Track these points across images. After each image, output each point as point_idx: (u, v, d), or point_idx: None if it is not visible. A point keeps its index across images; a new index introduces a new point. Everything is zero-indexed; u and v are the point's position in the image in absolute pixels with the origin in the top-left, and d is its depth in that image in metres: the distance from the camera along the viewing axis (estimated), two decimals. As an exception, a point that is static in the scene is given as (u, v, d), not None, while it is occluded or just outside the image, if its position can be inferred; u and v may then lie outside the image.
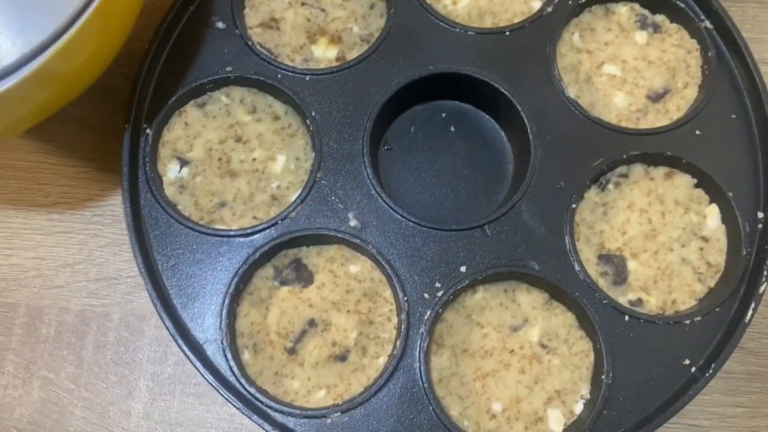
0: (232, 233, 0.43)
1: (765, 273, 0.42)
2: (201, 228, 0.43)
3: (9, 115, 0.38)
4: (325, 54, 0.48)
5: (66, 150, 0.48)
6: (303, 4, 0.49)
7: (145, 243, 0.43)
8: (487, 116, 0.49)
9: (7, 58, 0.35)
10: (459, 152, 0.48)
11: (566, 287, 0.42)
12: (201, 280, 0.43)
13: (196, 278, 0.43)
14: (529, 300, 0.43)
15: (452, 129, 0.48)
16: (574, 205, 0.44)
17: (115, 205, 0.47)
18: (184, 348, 0.41)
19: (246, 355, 0.42)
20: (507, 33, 0.47)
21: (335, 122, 0.45)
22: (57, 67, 0.37)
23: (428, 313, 0.41)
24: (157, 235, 0.43)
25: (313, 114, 0.45)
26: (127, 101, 0.45)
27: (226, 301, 0.42)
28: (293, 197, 0.44)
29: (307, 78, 0.46)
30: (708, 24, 0.47)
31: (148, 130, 0.45)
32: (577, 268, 0.42)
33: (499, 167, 0.48)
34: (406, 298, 0.42)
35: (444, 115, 0.49)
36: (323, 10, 0.49)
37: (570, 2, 0.47)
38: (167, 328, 0.41)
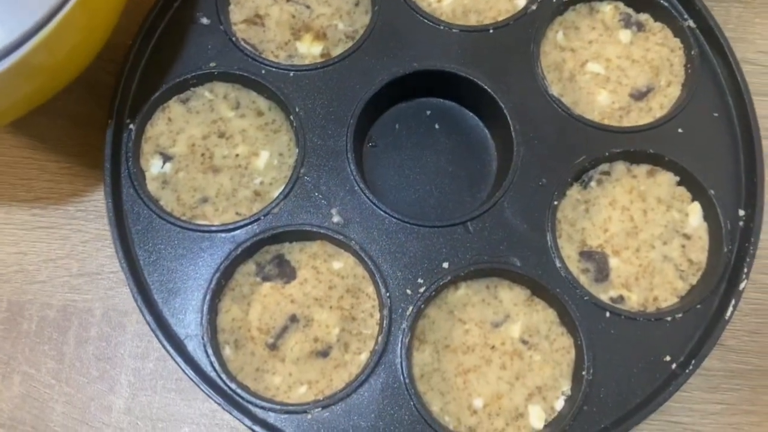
0: (213, 229, 0.43)
1: (745, 270, 0.42)
2: (183, 223, 0.43)
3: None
4: (309, 50, 0.48)
5: (50, 145, 0.48)
6: (288, 0, 0.49)
7: (126, 238, 0.43)
8: (471, 114, 0.49)
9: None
10: (443, 149, 0.48)
11: (547, 284, 0.42)
12: (182, 275, 0.43)
13: (178, 273, 0.43)
14: (510, 296, 0.43)
15: (437, 126, 0.49)
16: (556, 203, 0.44)
17: (98, 200, 0.47)
18: (165, 343, 0.41)
19: (227, 351, 0.42)
20: (491, 31, 0.47)
21: (319, 118, 0.45)
22: (40, 58, 0.37)
23: (410, 308, 0.41)
24: (139, 230, 0.43)
25: (297, 110, 0.45)
26: (110, 96, 0.45)
27: (208, 297, 0.42)
28: (276, 193, 0.44)
29: (291, 74, 0.46)
30: (691, 23, 0.47)
31: (131, 126, 0.45)
32: (558, 264, 0.42)
33: (482, 164, 0.48)
34: (388, 294, 0.42)
35: (428, 112, 0.49)
36: (308, 7, 0.49)
37: (554, 0, 0.47)
38: (148, 323, 0.41)
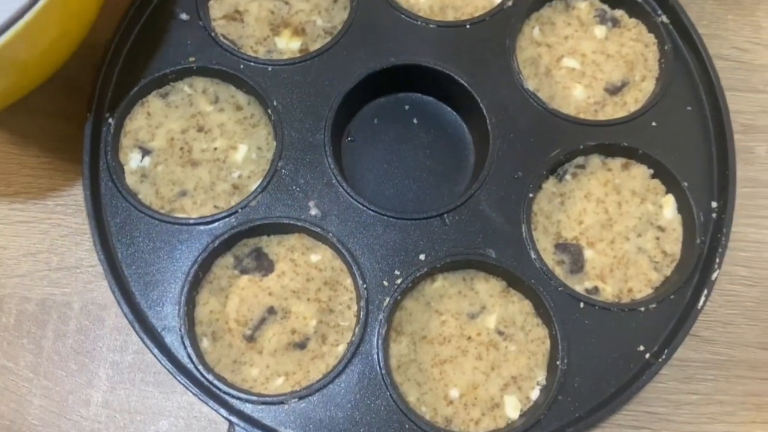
0: (191, 221, 0.43)
1: (717, 261, 0.42)
2: (161, 216, 0.43)
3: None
4: (288, 46, 0.48)
5: (29, 140, 0.48)
6: (267, -4, 0.49)
7: (105, 231, 0.43)
8: (449, 108, 0.49)
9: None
10: (421, 143, 0.48)
11: (522, 275, 0.42)
12: (160, 268, 0.43)
13: (156, 266, 0.43)
14: (486, 288, 0.44)
15: (415, 121, 0.49)
16: (531, 195, 0.44)
17: (78, 194, 0.47)
18: (143, 335, 0.41)
19: (204, 343, 0.42)
20: (468, 26, 0.48)
21: (297, 112, 0.46)
22: (16, 52, 0.37)
23: (387, 300, 0.42)
24: (117, 223, 0.43)
25: (275, 104, 0.46)
26: (89, 89, 0.45)
27: (185, 289, 0.42)
28: (254, 187, 0.45)
29: (270, 69, 0.46)
30: (665, 19, 0.48)
31: (110, 120, 0.45)
32: (533, 256, 0.43)
33: (460, 158, 0.48)
34: (365, 286, 0.42)
35: (407, 107, 0.49)
36: (287, 3, 0.49)
37: (530, -3, 0.48)
38: (125, 315, 0.41)
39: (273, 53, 0.48)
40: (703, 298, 0.42)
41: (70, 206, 0.47)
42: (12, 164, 0.48)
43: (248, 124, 0.47)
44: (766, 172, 0.49)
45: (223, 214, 0.43)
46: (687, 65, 0.47)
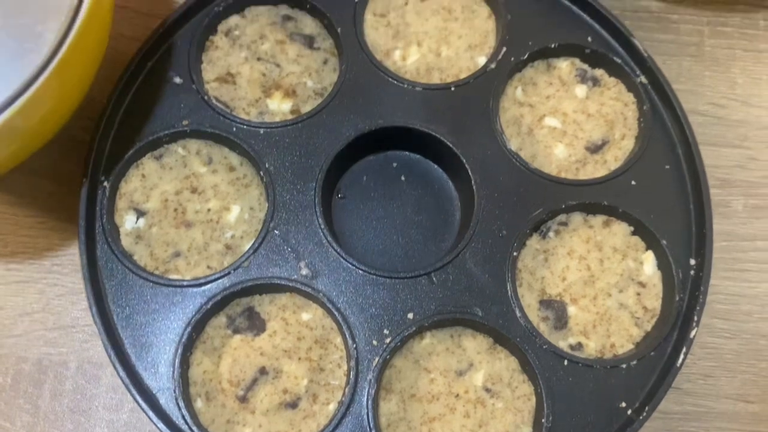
0: (185, 283, 0.44)
1: (696, 318, 0.44)
2: (155, 278, 0.44)
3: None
4: (279, 107, 0.50)
5: (26, 200, 0.50)
6: (259, 59, 0.51)
7: (101, 294, 0.44)
8: (436, 166, 0.51)
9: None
10: (409, 200, 0.50)
11: (508, 333, 0.44)
12: (155, 329, 0.44)
13: (150, 328, 0.44)
14: (474, 345, 0.45)
15: (403, 178, 0.50)
16: (515, 253, 0.46)
17: (74, 254, 0.48)
18: (137, 397, 0.42)
19: (198, 404, 0.43)
20: (452, 88, 0.49)
21: (289, 173, 0.47)
22: (17, 124, 0.38)
23: (377, 359, 0.43)
24: (113, 285, 0.45)
25: (267, 166, 0.47)
26: (85, 154, 0.46)
27: (179, 351, 0.43)
28: (247, 246, 0.46)
29: (262, 131, 0.48)
30: (643, 79, 0.50)
31: (105, 183, 0.46)
32: (518, 314, 0.44)
33: (447, 215, 0.50)
34: (355, 346, 0.43)
35: (395, 164, 0.51)
36: (278, 65, 0.51)
37: (513, 59, 0.50)
38: (121, 378, 0.42)
39: (265, 115, 0.49)
40: (682, 356, 0.43)
41: (66, 266, 0.48)
42: (8, 224, 0.49)
43: (241, 185, 0.48)
44: (742, 226, 0.51)
45: (216, 276, 0.44)
46: (665, 125, 0.49)
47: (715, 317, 0.49)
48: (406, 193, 0.50)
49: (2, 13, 0.38)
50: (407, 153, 0.51)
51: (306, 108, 0.50)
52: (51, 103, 0.40)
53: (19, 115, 0.38)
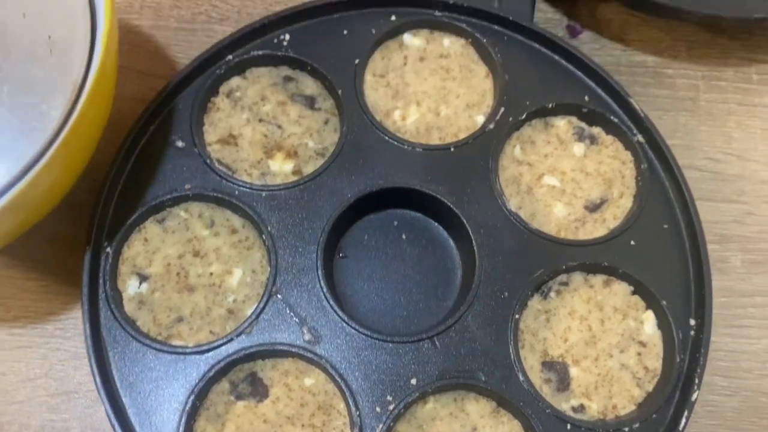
0: (188, 351, 0.44)
1: (697, 381, 0.44)
2: (158, 345, 0.45)
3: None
4: (281, 168, 0.50)
5: (28, 263, 0.50)
6: (260, 120, 0.51)
7: (104, 362, 0.44)
8: (436, 224, 0.51)
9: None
10: (410, 259, 0.50)
11: (511, 397, 0.44)
12: (158, 396, 0.44)
13: (154, 395, 0.44)
14: (477, 409, 0.45)
15: (403, 236, 0.51)
16: (517, 316, 0.46)
17: (77, 318, 0.48)
18: (141, 467, 0.42)
19: (202, 472, 0.43)
20: (452, 149, 0.50)
21: (291, 236, 0.47)
22: (23, 200, 0.38)
23: (380, 426, 0.43)
24: (116, 352, 0.45)
25: (269, 229, 0.47)
26: (88, 220, 0.47)
27: (183, 419, 0.43)
28: (249, 311, 0.46)
29: (264, 194, 0.48)
30: (640, 138, 0.50)
31: (108, 249, 0.46)
32: (521, 378, 0.44)
33: (448, 273, 0.50)
34: (358, 413, 0.43)
35: (395, 222, 0.51)
36: (280, 127, 0.51)
37: (511, 119, 0.50)
38: (124, 448, 0.42)
39: (267, 176, 0.50)
40: (684, 420, 0.43)
41: (69, 330, 0.48)
42: (11, 288, 0.49)
43: (243, 247, 0.48)
44: (741, 282, 0.51)
45: (219, 342, 0.44)
46: (662, 183, 0.50)
47: (715, 374, 0.49)
48: (407, 252, 0.50)
49: (8, 92, 0.38)
50: (408, 211, 0.51)
51: (308, 168, 0.50)
52: (56, 176, 0.41)
53: (26, 191, 0.38)
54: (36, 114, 0.38)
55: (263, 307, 0.45)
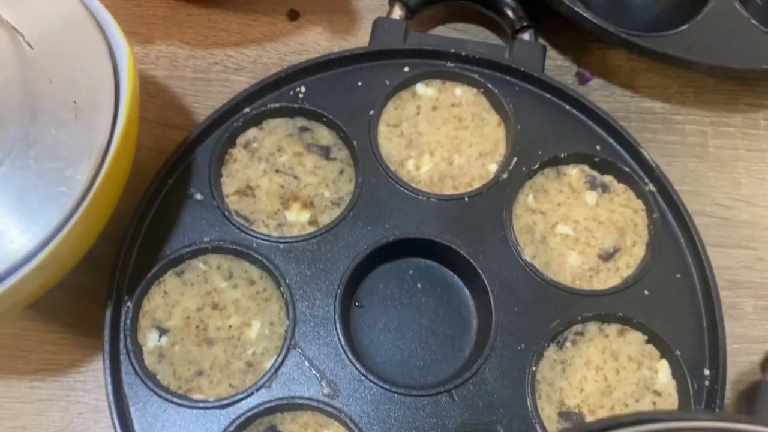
0: (209, 405, 0.45)
1: None
2: (179, 400, 0.45)
3: (16, 299, 0.41)
4: (298, 218, 0.51)
5: (48, 316, 0.50)
6: (277, 171, 0.52)
7: (125, 417, 0.45)
8: (451, 272, 0.51)
9: (19, 253, 0.38)
10: (425, 308, 0.51)
11: (529, 450, 0.44)
12: (179, 452, 0.44)
13: (175, 450, 0.44)
14: (495, 460, 0.45)
15: (419, 285, 0.51)
16: (534, 368, 0.46)
17: (97, 370, 0.49)
18: None
19: None
20: (466, 199, 0.50)
21: (308, 288, 0.48)
22: (49, 263, 0.39)
23: (399, 479, 0.43)
24: (137, 407, 0.45)
25: (287, 281, 0.48)
26: (109, 274, 0.47)
27: (204, 476, 0.43)
28: (268, 364, 0.46)
29: (282, 245, 0.49)
30: (652, 187, 0.51)
31: (129, 303, 0.47)
32: (539, 430, 0.45)
33: (463, 322, 0.50)
34: (377, 466, 0.44)
35: (411, 271, 0.52)
36: (296, 177, 0.52)
37: (524, 169, 0.51)
38: (146, 505, 0.42)
39: (284, 227, 0.50)
40: (702, 472, 0.44)
41: (89, 383, 0.49)
42: (31, 341, 0.50)
43: (261, 299, 0.49)
44: (753, 328, 0.52)
45: (239, 397, 0.45)
46: (674, 232, 0.50)
47: (730, 422, 0.49)
48: (423, 300, 0.51)
49: (34, 157, 0.39)
50: (422, 259, 0.52)
51: (324, 218, 0.51)
52: (81, 236, 0.41)
53: (52, 254, 0.39)
54: (62, 179, 0.39)
55: (282, 361, 0.46)
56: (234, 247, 0.49)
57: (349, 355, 0.46)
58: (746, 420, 0.34)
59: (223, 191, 0.51)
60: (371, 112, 0.52)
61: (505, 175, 0.51)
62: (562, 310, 0.48)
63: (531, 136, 0.52)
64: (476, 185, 0.51)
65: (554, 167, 0.53)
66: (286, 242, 0.49)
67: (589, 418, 0.46)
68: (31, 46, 0.41)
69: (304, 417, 0.46)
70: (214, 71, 0.57)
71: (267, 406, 0.45)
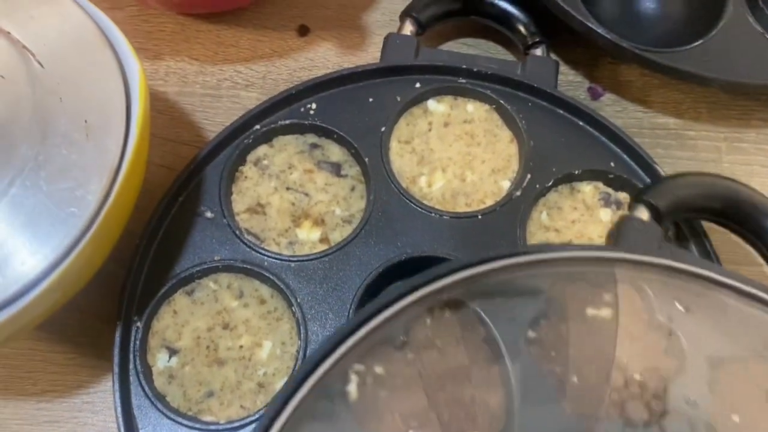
0: (220, 428, 0.44)
1: None
2: (190, 423, 0.44)
3: (26, 321, 0.40)
4: (309, 236, 0.50)
5: (55, 336, 0.49)
6: (288, 188, 0.51)
7: (135, 439, 0.44)
8: (464, 291, 0.51)
9: (29, 275, 0.37)
10: (438, 326, 0.50)
11: None
12: (190, 475, 0.43)
13: (185, 474, 0.44)
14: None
15: (431, 304, 0.51)
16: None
17: (105, 391, 0.48)
18: None
19: None
20: (479, 216, 0.50)
21: (320, 307, 0.47)
22: (59, 284, 0.39)
23: (414, 504, 0.43)
24: (148, 430, 0.44)
25: (299, 300, 0.47)
26: (118, 293, 0.47)
27: (215, 500, 0.43)
28: (279, 384, 0.46)
29: (293, 264, 0.48)
30: (666, 203, 0.51)
31: (138, 323, 0.46)
32: None
33: (477, 341, 0.50)
34: (391, 491, 0.43)
35: (423, 289, 0.51)
36: (307, 195, 0.51)
37: (537, 186, 0.51)
38: None
39: (295, 244, 0.50)
40: None
41: (97, 404, 0.48)
42: (38, 361, 0.49)
43: (272, 318, 0.48)
44: (771, 347, 0.51)
45: (251, 419, 0.44)
46: (690, 251, 0.50)
47: None
48: (435, 319, 0.50)
49: (45, 177, 0.38)
50: (435, 278, 0.51)
51: (334, 236, 0.50)
52: (91, 256, 0.41)
53: (63, 275, 0.38)
54: (73, 199, 0.38)
55: (294, 382, 0.45)
56: (244, 265, 0.48)
57: (362, 376, 0.46)
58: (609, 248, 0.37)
59: (234, 209, 0.51)
60: (383, 129, 0.52)
61: (518, 192, 0.50)
62: (577, 330, 0.47)
63: (544, 153, 0.52)
64: (489, 202, 0.51)
65: (568, 184, 0.52)
66: (297, 261, 0.48)
67: None
68: (41, 65, 0.41)
69: (316, 439, 0.45)
70: (224, 87, 0.57)
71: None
